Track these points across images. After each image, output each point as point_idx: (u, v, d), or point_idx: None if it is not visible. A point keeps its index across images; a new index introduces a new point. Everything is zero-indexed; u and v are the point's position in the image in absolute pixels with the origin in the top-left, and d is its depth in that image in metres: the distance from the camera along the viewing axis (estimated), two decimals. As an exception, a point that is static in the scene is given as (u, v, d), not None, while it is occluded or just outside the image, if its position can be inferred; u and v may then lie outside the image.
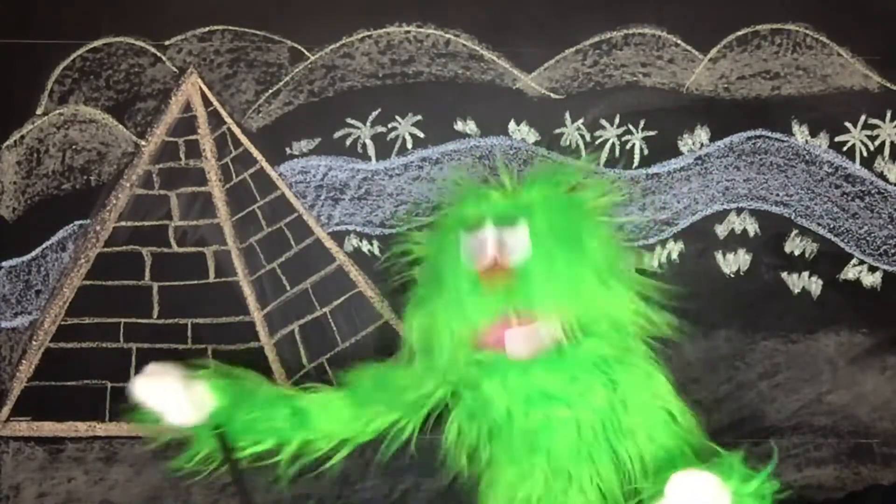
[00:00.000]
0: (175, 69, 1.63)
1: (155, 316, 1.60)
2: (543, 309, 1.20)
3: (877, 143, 1.64)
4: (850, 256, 1.63)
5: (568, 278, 1.20)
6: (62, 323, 1.59)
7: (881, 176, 1.64)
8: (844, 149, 1.64)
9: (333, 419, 1.35)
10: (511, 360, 1.20)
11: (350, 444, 1.37)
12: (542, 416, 1.20)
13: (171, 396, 1.27)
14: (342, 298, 1.61)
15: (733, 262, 1.62)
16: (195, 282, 1.60)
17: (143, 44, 1.64)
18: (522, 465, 1.23)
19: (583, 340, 1.20)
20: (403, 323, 1.35)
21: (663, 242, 1.61)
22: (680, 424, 1.24)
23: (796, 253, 1.62)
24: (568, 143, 1.63)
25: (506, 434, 1.23)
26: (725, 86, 1.64)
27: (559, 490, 1.22)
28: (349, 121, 1.63)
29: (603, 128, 1.63)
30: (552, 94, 1.64)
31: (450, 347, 1.25)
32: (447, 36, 1.64)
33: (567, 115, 1.63)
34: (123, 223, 1.61)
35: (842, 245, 1.63)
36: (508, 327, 1.20)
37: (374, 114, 1.63)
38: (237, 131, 1.63)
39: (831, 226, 1.63)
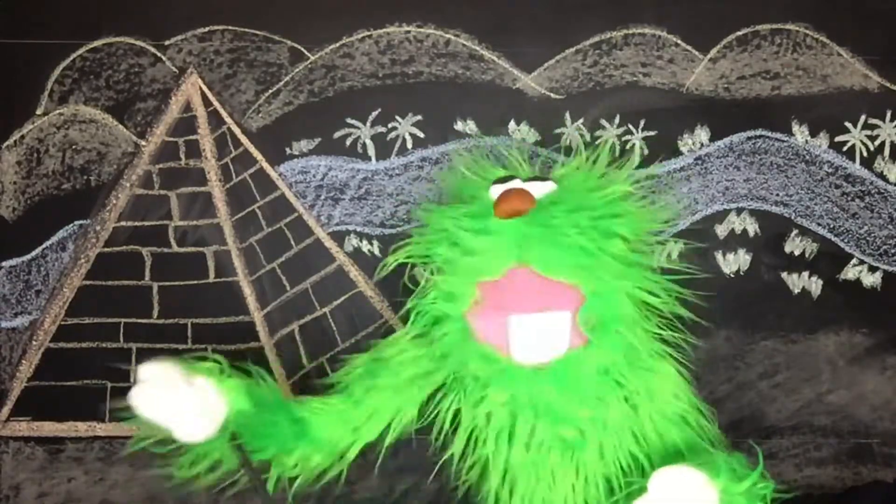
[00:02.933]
0: (175, 69, 1.63)
1: (155, 316, 1.60)
2: (559, 270, 1.15)
3: (877, 143, 1.64)
4: (850, 256, 1.62)
5: (592, 235, 1.16)
6: (62, 323, 1.59)
7: (881, 176, 1.64)
8: (844, 149, 1.64)
9: (333, 423, 1.28)
10: (517, 366, 1.16)
11: (352, 449, 1.30)
12: (547, 436, 1.17)
13: (179, 408, 1.11)
14: (342, 298, 1.61)
15: (733, 262, 1.62)
16: (195, 282, 1.60)
17: (143, 44, 1.64)
18: (527, 476, 1.20)
19: (593, 344, 1.16)
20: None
21: (663, 242, 1.60)
22: (692, 425, 1.23)
23: (796, 253, 1.62)
24: (568, 142, 1.63)
25: (503, 448, 1.20)
26: (725, 86, 1.64)
27: (567, 485, 1.20)
28: (349, 121, 1.63)
29: (603, 128, 1.63)
30: (552, 94, 1.64)
31: (453, 318, 1.20)
32: (447, 36, 1.64)
33: (567, 115, 1.63)
34: (123, 223, 1.61)
35: (842, 245, 1.63)
36: (505, 301, 1.16)
37: (374, 114, 1.63)
38: (237, 131, 1.63)
39: (831, 226, 1.63)
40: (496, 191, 1.22)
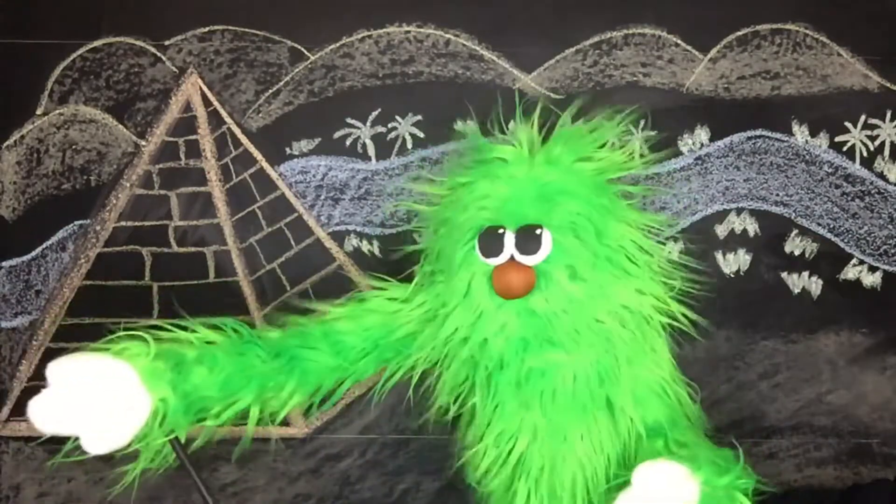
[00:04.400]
0: (175, 69, 1.63)
1: (155, 316, 1.60)
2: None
3: (877, 143, 1.64)
4: (850, 256, 1.63)
5: (591, 282, 1.16)
6: (62, 323, 1.59)
7: (881, 176, 1.64)
8: (844, 149, 1.64)
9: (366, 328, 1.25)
10: (509, 302, 1.16)
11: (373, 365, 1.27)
12: (538, 363, 1.16)
13: (85, 416, 0.99)
14: (342, 298, 1.61)
15: (733, 262, 1.62)
16: (195, 282, 1.60)
17: (143, 44, 1.64)
18: (514, 420, 1.19)
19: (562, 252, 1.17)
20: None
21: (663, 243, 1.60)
22: (672, 401, 1.23)
23: (796, 253, 1.62)
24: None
25: (497, 384, 1.19)
26: (725, 86, 1.64)
27: (553, 448, 1.19)
28: (349, 121, 1.63)
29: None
30: (552, 94, 1.64)
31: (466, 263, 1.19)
32: (447, 36, 1.64)
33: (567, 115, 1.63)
34: (123, 223, 1.61)
35: (842, 245, 1.63)
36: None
37: (374, 114, 1.63)
38: (237, 131, 1.63)
39: (831, 226, 1.63)
40: (484, 245, 1.18)
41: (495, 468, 1.22)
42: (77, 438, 1.03)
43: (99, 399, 1.02)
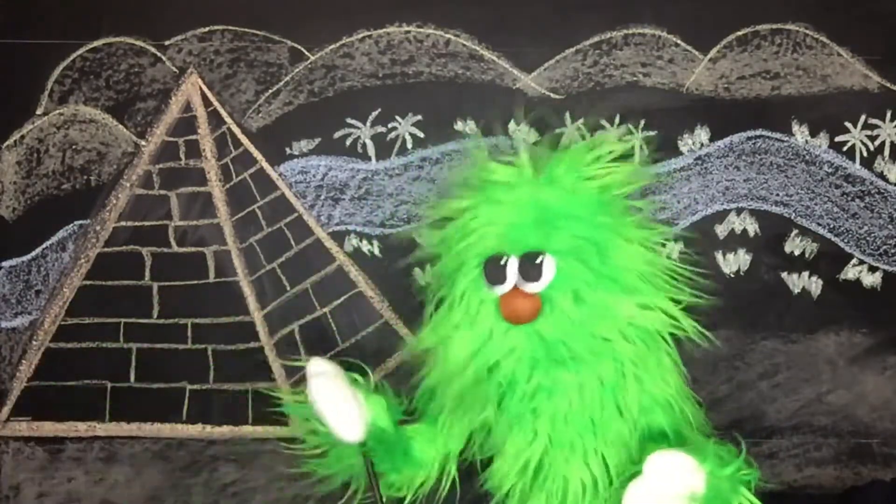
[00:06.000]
0: (175, 69, 1.63)
1: (155, 316, 1.60)
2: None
3: (877, 143, 1.64)
4: (850, 256, 1.62)
5: (595, 304, 1.18)
6: (62, 323, 1.59)
7: (881, 176, 1.63)
8: (844, 149, 1.64)
9: (425, 444, 1.32)
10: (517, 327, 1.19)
11: (449, 464, 1.34)
12: (547, 381, 1.19)
13: (346, 407, 1.20)
14: (342, 298, 1.61)
15: (733, 262, 1.62)
16: (195, 282, 1.60)
17: (143, 44, 1.64)
18: (524, 431, 1.21)
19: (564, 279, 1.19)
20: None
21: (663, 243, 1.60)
22: (677, 415, 1.25)
23: (796, 253, 1.62)
24: (568, 142, 1.62)
25: (508, 398, 1.21)
26: (725, 86, 1.64)
27: (561, 458, 1.21)
28: (349, 121, 1.63)
29: (603, 128, 1.63)
30: (552, 94, 1.64)
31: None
32: (447, 36, 1.64)
33: (567, 115, 1.63)
34: (123, 223, 1.61)
35: (842, 245, 1.63)
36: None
37: (374, 114, 1.63)
38: (237, 131, 1.63)
39: (831, 226, 1.63)
40: (489, 274, 1.21)
41: (512, 480, 1.25)
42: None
43: (353, 399, 1.21)
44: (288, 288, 1.61)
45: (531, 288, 1.18)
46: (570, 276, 1.18)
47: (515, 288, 1.19)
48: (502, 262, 1.20)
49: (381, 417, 1.26)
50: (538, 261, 1.18)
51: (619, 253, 1.22)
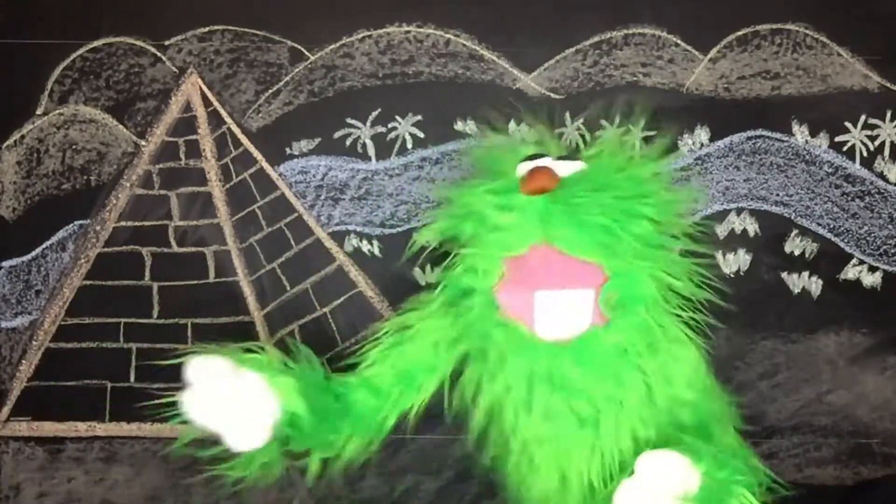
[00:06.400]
0: (175, 69, 1.63)
1: (155, 316, 1.60)
2: (582, 248, 1.16)
3: (877, 143, 1.64)
4: (850, 256, 1.62)
5: (615, 215, 1.17)
6: (62, 323, 1.59)
7: (881, 176, 1.64)
8: (844, 149, 1.64)
9: (369, 395, 1.26)
10: (538, 340, 1.18)
11: (388, 420, 1.29)
12: (564, 410, 1.18)
13: (233, 415, 1.07)
14: (342, 298, 1.61)
15: (733, 262, 1.62)
16: (195, 282, 1.60)
17: (143, 44, 1.64)
18: (533, 456, 1.22)
19: (613, 324, 1.17)
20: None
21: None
22: (701, 413, 1.24)
23: (796, 253, 1.62)
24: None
25: (522, 420, 1.21)
26: (725, 86, 1.64)
27: (562, 485, 1.21)
28: (349, 121, 1.63)
29: (603, 128, 1.63)
30: (552, 94, 1.64)
31: (480, 292, 1.21)
32: (447, 36, 1.64)
33: (567, 115, 1.63)
34: (123, 223, 1.61)
35: (842, 245, 1.63)
36: (532, 278, 1.17)
37: (374, 114, 1.63)
38: (237, 131, 1.63)
39: (831, 226, 1.63)
40: (524, 168, 1.22)
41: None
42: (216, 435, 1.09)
43: (241, 402, 1.08)
44: (288, 288, 1.61)
45: (563, 166, 1.19)
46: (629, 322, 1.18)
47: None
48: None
49: (293, 401, 1.13)
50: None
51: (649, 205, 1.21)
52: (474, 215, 1.23)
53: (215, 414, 1.07)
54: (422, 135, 1.63)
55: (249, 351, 1.16)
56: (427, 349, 1.29)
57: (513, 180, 1.21)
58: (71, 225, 1.61)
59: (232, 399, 1.08)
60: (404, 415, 1.30)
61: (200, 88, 1.63)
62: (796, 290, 1.62)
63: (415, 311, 1.33)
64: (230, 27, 1.64)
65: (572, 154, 1.27)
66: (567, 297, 1.18)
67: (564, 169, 1.21)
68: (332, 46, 1.64)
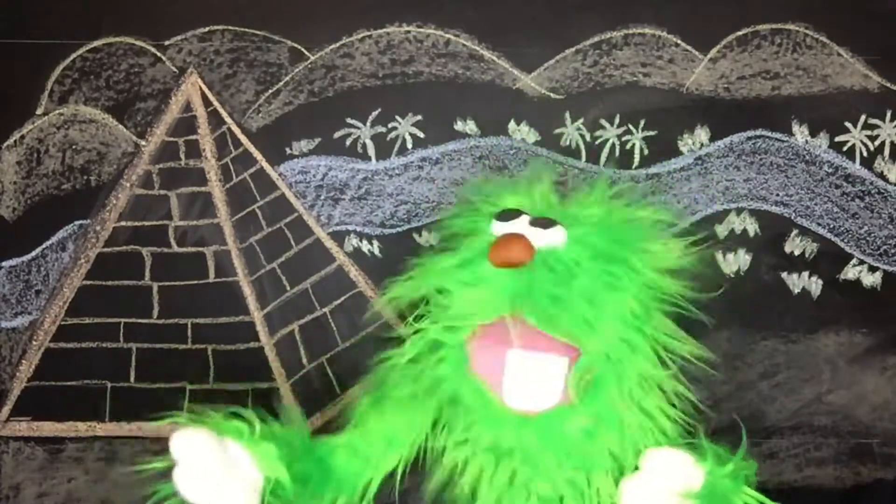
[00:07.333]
0: (175, 69, 1.63)
1: (155, 316, 1.60)
2: (554, 328, 1.10)
3: (877, 143, 1.64)
4: (850, 256, 1.63)
5: (592, 294, 1.11)
6: (62, 323, 1.59)
7: (881, 176, 1.64)
8: (844, 149, 1.64)
9: (351, 458, 1.21)
10: (505, 410, 1.12)
11: (372, 483, 1.23)
12: (523, 485, 1.14)
13: (223, 491, 1.04)
14: (342, 298, 1.61)
15: (733, 262, 1.62)
16: (195, 282, 1.60)
17: (143, 44, 1.64)
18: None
19: (582, 406, 1.12)
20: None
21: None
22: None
23: (796, 253, 1.62)
24: (568, 143, 1.63)
25: (483, 490, 1.17)
26: (725, 86, 1.64)
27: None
28: (349, 121, 1.63)
29: (603, 128, 1.63)
30: (552, 94, 1.64)
31: (451, 350, 1.16)
32: (447, 36, 1.64)
33: (567, 115, 1.63)
34: (123, 223, 1.61)
35: (842, 245, 1.63)
36: (506, 337, 1.10)
37: (374, 114, 1.63)
38: (237, 131, 1.63)
39: (831, 226, 1.63)
40: (497, 228, 1.15)
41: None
42: None
43: (229, 477, 1.05)
44: (288, 288, 1.61)
45: (539, 235, 1.11)
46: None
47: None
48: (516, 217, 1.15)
49: (274, 469, 1.09)
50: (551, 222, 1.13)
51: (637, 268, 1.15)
52: (438, 288, 1.18)
53: (204, 490, 1.04)
54: (422, 135, 1.63)
55: (235, 414, 1.12)
56: (404, 403, 1.22)
57: (481, 248, 1.14)
58: (71, 225, 1.61)
59: (217, 473, 1.04)
60: (390, 475, 1.25)
61: (200, 88, 1.63)
62: (796, 290, 1.62)
63: (388, 369, 1.26)
64: (230, 27, 1.64)
65: (554, 208, 1.18)
66: (540, 361, 1.11)
67: (540, 238, 1.12)
68: (332, 46, 1.64)
